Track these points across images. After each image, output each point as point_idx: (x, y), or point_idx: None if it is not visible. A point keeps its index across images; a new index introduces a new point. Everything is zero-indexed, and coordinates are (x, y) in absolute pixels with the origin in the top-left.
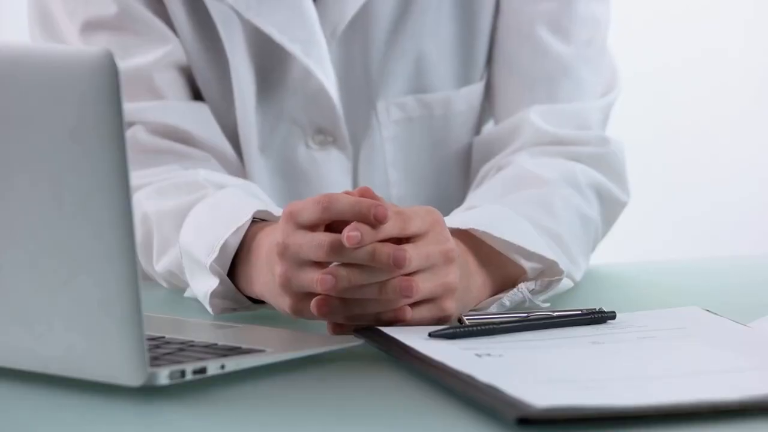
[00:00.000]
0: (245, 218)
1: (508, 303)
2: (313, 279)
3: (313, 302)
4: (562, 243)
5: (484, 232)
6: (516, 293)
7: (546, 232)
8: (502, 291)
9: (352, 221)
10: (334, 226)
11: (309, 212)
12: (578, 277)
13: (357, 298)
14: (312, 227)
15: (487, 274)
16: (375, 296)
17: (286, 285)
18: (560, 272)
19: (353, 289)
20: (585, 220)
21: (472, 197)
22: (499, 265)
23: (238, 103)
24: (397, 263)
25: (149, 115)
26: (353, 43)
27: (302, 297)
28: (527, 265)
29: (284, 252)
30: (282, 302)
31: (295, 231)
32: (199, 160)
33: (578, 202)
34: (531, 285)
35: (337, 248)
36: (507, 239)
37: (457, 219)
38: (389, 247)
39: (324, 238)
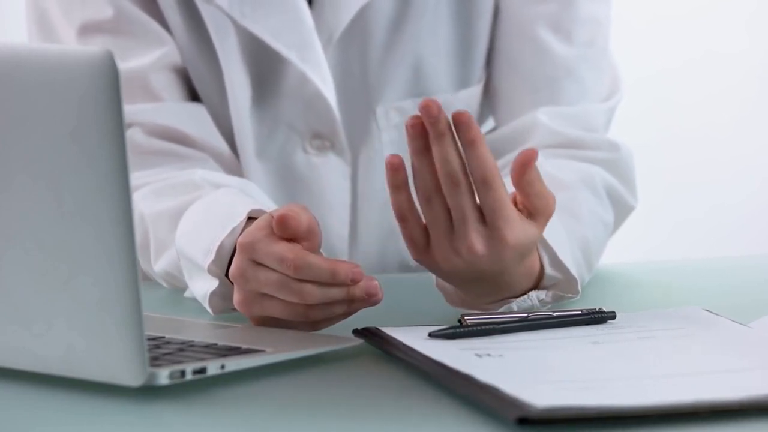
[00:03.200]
0: (240, 218)
1: (516, 308)
2: (275, 309)
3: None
4: (589, 252)
5: None
6: (525, 300)
7: (576, 238)
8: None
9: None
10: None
11: (271, 263)
12: (586, 280)
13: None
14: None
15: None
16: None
17: (247, 311)
18: (576, 291)
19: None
20: (604, 224)
21: None
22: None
23: (232, 109)
24: (355, 280)
25: (146, 117)
26: (351, 48)
27: (266, 319)
28: (549, 271)
29: (242, 284)
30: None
31: (252, 265)
32: (196, 160)
33: (598, 206)
34: (542, 294)
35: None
36: (544, 237)
37: None
38: (347, 265)
39: (289, 284)
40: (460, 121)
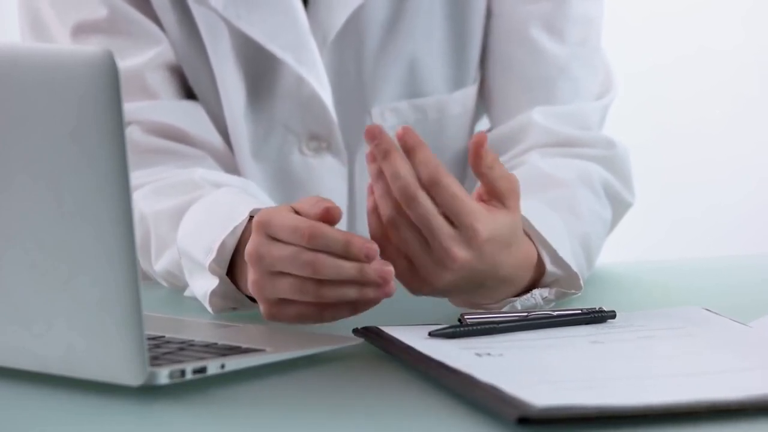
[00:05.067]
0: (242, 217)
1: (519, 307)
2: (287, 287)
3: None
4: (589, 249)
5: (525, 220)
6: (529, 298)
7: (576, 235)
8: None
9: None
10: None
11: (285, 235)
12: (586, 277)
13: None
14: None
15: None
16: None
17: (260, 292)
18: (578, 287)
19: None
20: (603, 221)
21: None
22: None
23: (226, 111)
24: (369, 256)
25: (144, 115)
26: (346, 49)
27: (276, 302)
28: (550, 268)
29: (257, 261)
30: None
31: (267, 241)
32: (195, 158)
33: (596, 204)
34: (545, 292)
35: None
36: (544, 235)
37: None
38: (362, 239)
39: (302, 255)
40: (399, 135)
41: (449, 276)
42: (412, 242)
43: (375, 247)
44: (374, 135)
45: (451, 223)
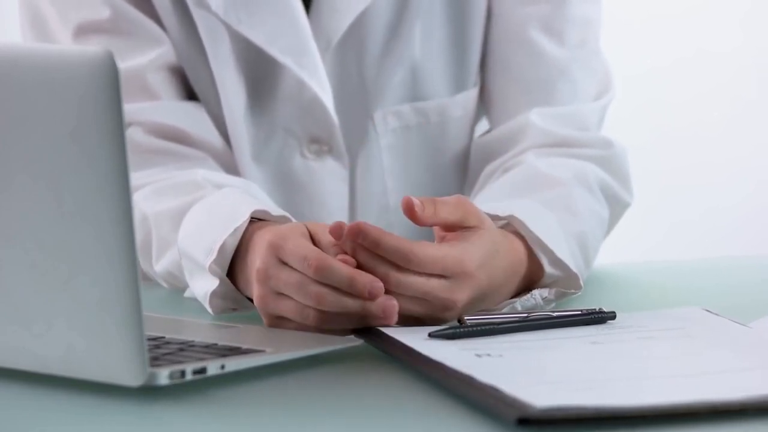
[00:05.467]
0: (243, 218)
1: (519, 308)
2: (289, 309)
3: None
4: (586, 247)
5: (521, 222)
6: (529, 299)
7: (573, 234)
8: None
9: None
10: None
11: (294, 261)
12: (585, 276)
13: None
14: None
15: (515, 265)
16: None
17: (263, 308)
18: (578, 287)
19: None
20: (600, 220)
21: (481, 196)
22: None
23: (226, 114)
24: (372, 294)
25: (145, 116)
26: (348, 54)
27: (278, 317)
28: (548, 270)
29: (264, 280)
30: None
31: (276, 264)
32: (196, 159)
33: (593, 202)
34: (545, 293)
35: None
36: (540, 237)
37: (493, 206)
38: (367, 277)
39: (308, 286)
40: (356, 235)
41: (455, 314)
42: (416, 308)
43: (380, 285)
44: (338, 234)
45: (441, 276)
